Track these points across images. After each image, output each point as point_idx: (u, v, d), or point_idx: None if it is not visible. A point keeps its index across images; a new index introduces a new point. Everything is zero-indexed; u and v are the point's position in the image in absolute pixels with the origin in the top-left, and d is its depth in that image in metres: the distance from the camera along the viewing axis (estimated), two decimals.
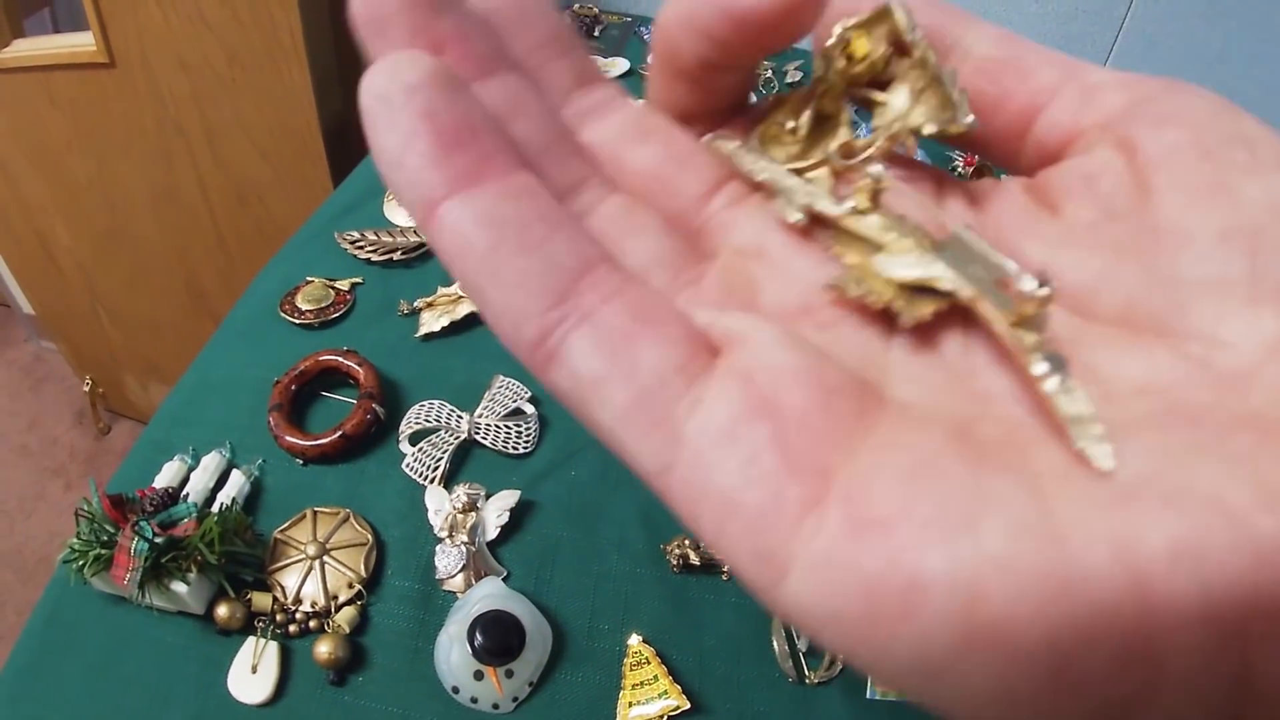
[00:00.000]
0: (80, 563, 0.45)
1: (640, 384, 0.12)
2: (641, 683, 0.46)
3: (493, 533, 0.52)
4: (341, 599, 0.49)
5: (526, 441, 0.58)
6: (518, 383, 0.60)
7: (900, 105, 0.17)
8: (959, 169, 0.88)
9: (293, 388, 0.59)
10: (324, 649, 0.46)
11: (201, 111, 1.02)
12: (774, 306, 0.15)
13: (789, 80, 0.99)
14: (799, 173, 0.17)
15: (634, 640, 0.48)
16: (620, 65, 1.01)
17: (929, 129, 0.16)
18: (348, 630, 0.48)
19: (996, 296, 0.13)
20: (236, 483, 0.53)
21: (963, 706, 0.10)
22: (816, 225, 0.16)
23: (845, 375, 0.12)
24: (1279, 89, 1.00)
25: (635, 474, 0.12)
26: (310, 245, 0.74)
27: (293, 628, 0.48)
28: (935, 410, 0.12)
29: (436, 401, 0.59)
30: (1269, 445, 0.10)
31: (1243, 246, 0.12)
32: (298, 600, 0.49)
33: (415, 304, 0.68)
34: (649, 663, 0.47)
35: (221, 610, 0.47)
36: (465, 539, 0.51)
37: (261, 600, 0.48)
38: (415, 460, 0.56)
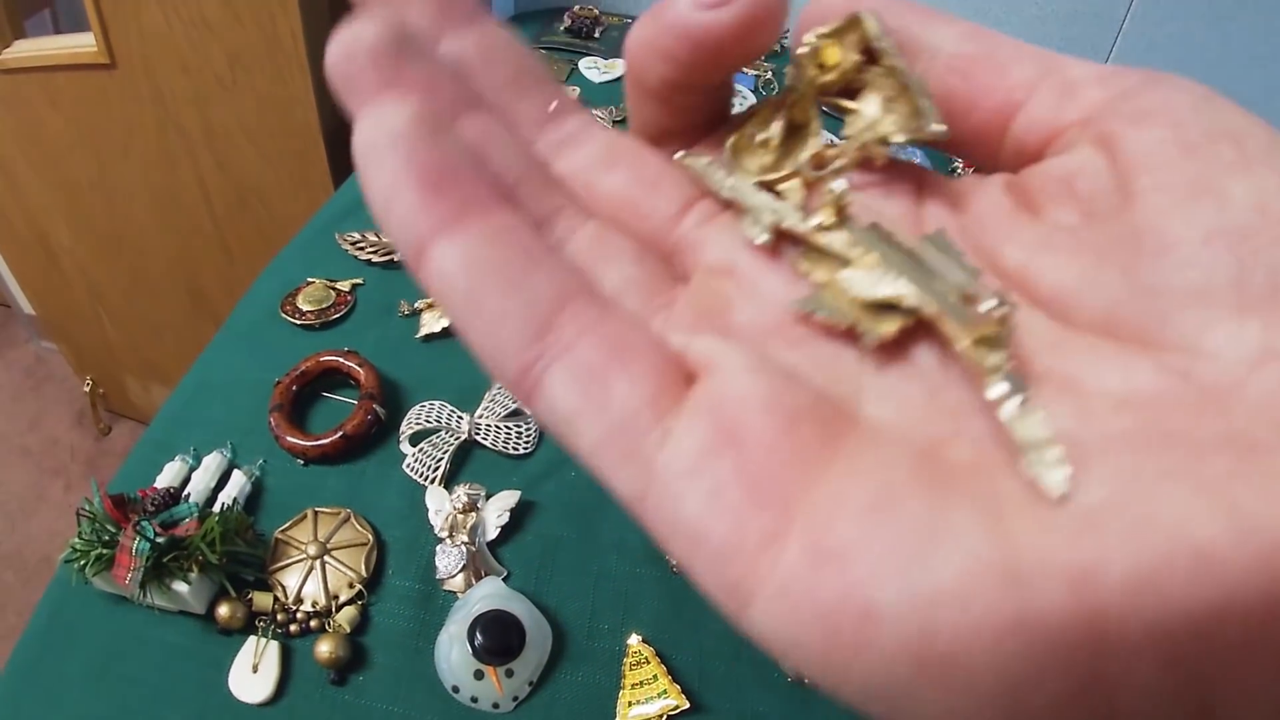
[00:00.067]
0: (82, 562, 0.45)
1: (612, 418, 0.12)
2: (641, 682, 0.46)
3: (493, 533, 0.53)
4: (342, 599, 0.49)
5: (527, 442, 0.58)
6: None
7: (871, 113, 0.16)
8: (959, 169, 0.88)
9: (294, 388, 0.59)
10: (325, 648, 0.46)
11: (202, 113, 1.02)
12: (746, 326, 0.15)
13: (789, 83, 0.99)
14: (771, 184, 0.17)
15: (634, 640, 0.48)
16: (620, 66, 1.01)
17: (898, 138, 0.16)
18: (348, 630, 0.48)
19: (959, 313, 0.13)
20: (238, 483, 0.54)
21: None
22: (785, 240, 0.16)
23: (812, 400, 0.12)
24: (1279, 91, 1.00)
25: (616, 500, 0.13)
26: (311, 246, 0.74)
27: (293, 627, 0.48)
28: (905, 430, 0.12)
29: (437, 402, 0.59)
30: (1245, 470, 0.10)
31: (1228, 250, 0.12)
32: (299, 600, 0.49)
33: (416, 305, 0.68)
34: (648, 662, 0.47)
35: (223, 610, 0.47)
36: (465, 539, 0.51)
37: (262, 600, 0.48)
38: (416, 461, 0.56)
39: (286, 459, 0.56)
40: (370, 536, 0.52)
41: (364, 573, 0.50)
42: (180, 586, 0.45)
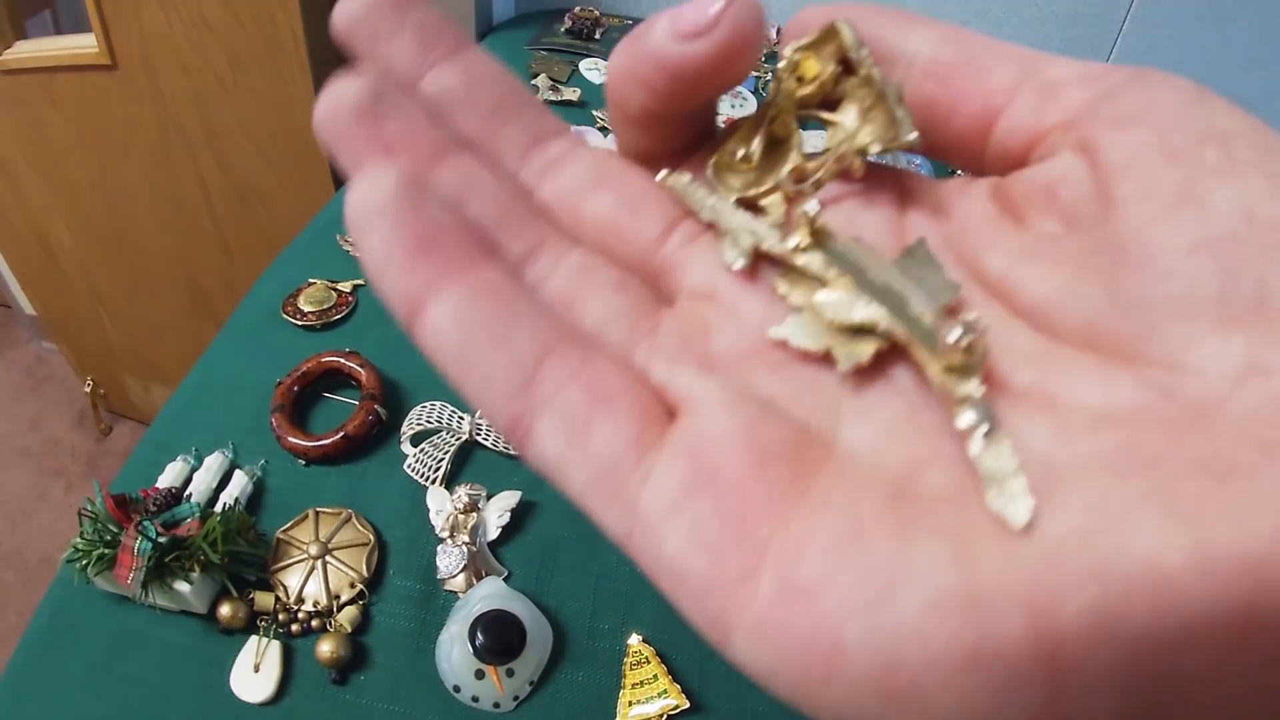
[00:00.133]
0: (84, 562, 0.45)
1: (597, 462, 0.13)
2: (641, 682, 0.47)
3: (494, 533, 0.53)
4: (343, 598, 0.49)
5: None
6: None
7: (850, 124, 0.16)
8: (960, 170, 0.88)
9: (295, 389, 0.59)
10: (326, 648, 0.46)
11: (203, 113, 1.02)
12: (726, 352, 0.15)
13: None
14: (753, 200, 0.17)
15: (634, 640, 0.48)
16: None
17: (875, 148, 0.16)
18: (350, 630, 0.48)
19: (930, 340, 0.13)
20: (239, 483, 0.54)
21: None
22: (764, 260, 0.16)
23: (787, 434, 0.13)
24: (1279, 92, 1.01)
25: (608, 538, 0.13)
26: (312, 247, 0.74)
27: (295, 627, 0.48)
28: (881, 457, 0.13)
29: (438, 403, 0.59)
30: (1219, 494, 0.10)
31: (1213, 261, 0.11)
32: (300, 600, 0.49)
33: None
34: (649, 662, 0.47)
35: (224, 609, 0.47)
36: (466, 539, 0.52)
37: (264, 600, 0.48)
38: (417, 461, 0.56)
39: (288, 459, 0.56)
40: (371, 536, 0.52)
41: (365, 573, 0.50)
42: (182, 586, 0.46)
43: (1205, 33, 0.98)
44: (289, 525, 0.52)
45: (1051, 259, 0.13)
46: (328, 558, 0.50)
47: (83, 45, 0.99)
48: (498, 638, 0.45)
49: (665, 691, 0.46)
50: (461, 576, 0.51)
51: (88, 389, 1.47)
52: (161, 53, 0.97)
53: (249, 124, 1.01)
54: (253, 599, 0.48)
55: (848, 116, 0.17)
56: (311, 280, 0.69)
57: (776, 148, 0.18)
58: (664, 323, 0.15)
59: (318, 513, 0.53)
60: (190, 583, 0.46)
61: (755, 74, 1.06)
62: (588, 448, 0.13)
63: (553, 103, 0.93)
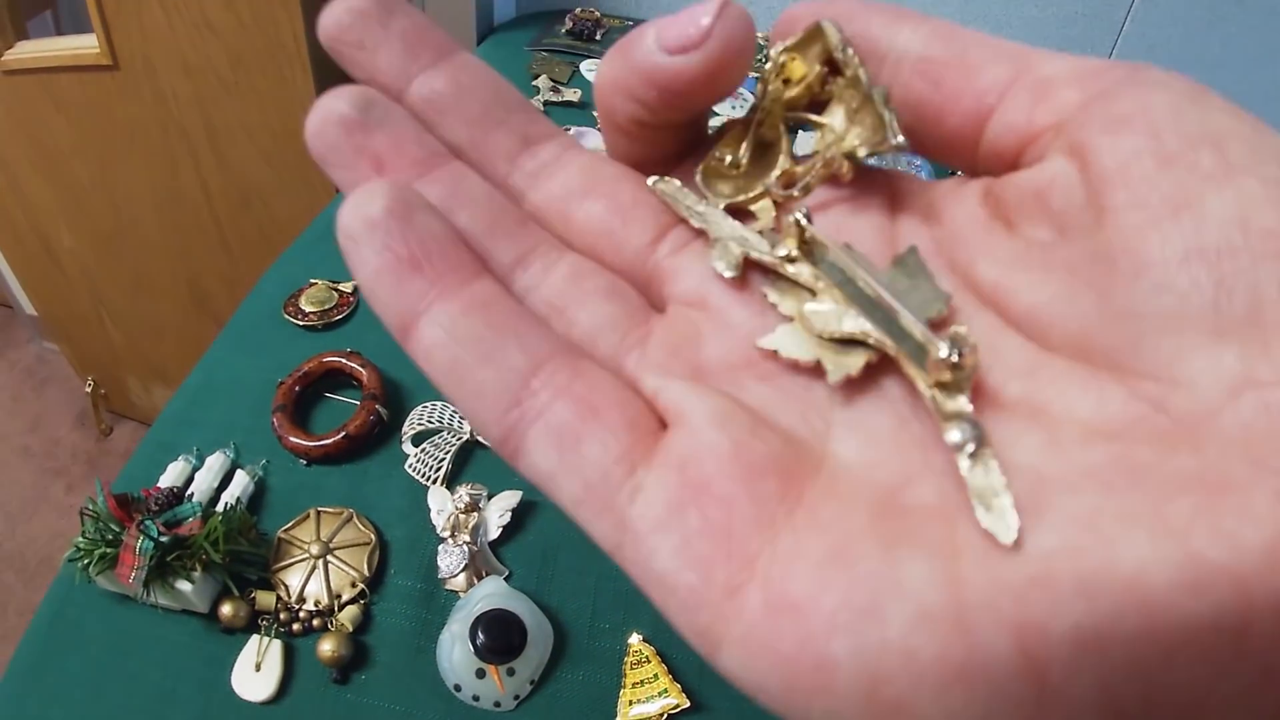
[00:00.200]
0: (86, 561, 0.45)
1: (586, 477, 0.13)
2: (642, 681, 0.47)
3: (495, 532, 0.53)
4: (345, 598, 0.49)
5: None
6: None
7: (838, 127, 0.16)
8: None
9: (296, 389, 0.59)
10: (327, 647, 0.46)
11: (204, 114, 1.02)
12: (717, 361, 0.15)
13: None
14: (742, 205, 0.17)
15: (634, 639, 0.48)
16: None
17: (863, 152, 0.15)
18: (351, 629, 0.48)
19: (919, 356, 0.13)
20: (241, 482, 0.54)
21: None
22: (754, 268, 0.15)
23: (777, 448, 0.13)
24: (1279, 93, 1.01)
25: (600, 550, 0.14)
26: (313, 248, 0.74)
27: (296, 626, 0.48)
28: (870, 469, 0.13)
29: (439, 403, 0.59)
30: (1211, 511, 0.09)
31: (1206, 271, 0.11)
32: (301, 599, 0.49)
33: None
34: (649, 661, 0.47)
35: (226, 609, 0.47)
36: (467, 539, 0.52)
37: (265, 599, 0.48)
38: (418, 461, 0.56)
39: (289, 459, 0.57)
40: (372, 536, 0.52)
41: (366, 572, 0.50)
42: (184, 585, 0.46)
43: (1205, 33, 0.98)
44: (290, 525, 0.52)
45: (1043, 267, 0.13)
46: (329, 557, 0.51)
47: (84, 46, 0.99)
48: (498, 637, 0.45)
49: (665, 691, 0.46)
50: (462, 576, 0.51)
51: (89, 389, 1.47)
52: (163, 53, 0.97)
53: (250, 124, 1.01)
54: (254, 598, 0.48)
55: (836, 119, 0.16)
56: (313, 280, 0.69)
57: (765, 152, 0.17)
58: (655, 331, 0.15)
59: (319, 512, 0.53)
60: (192, 582, 0.46)
61: (755, 74, 1.06)
62: (578, 461, 0.13)
63: (553, 104, 0.94)
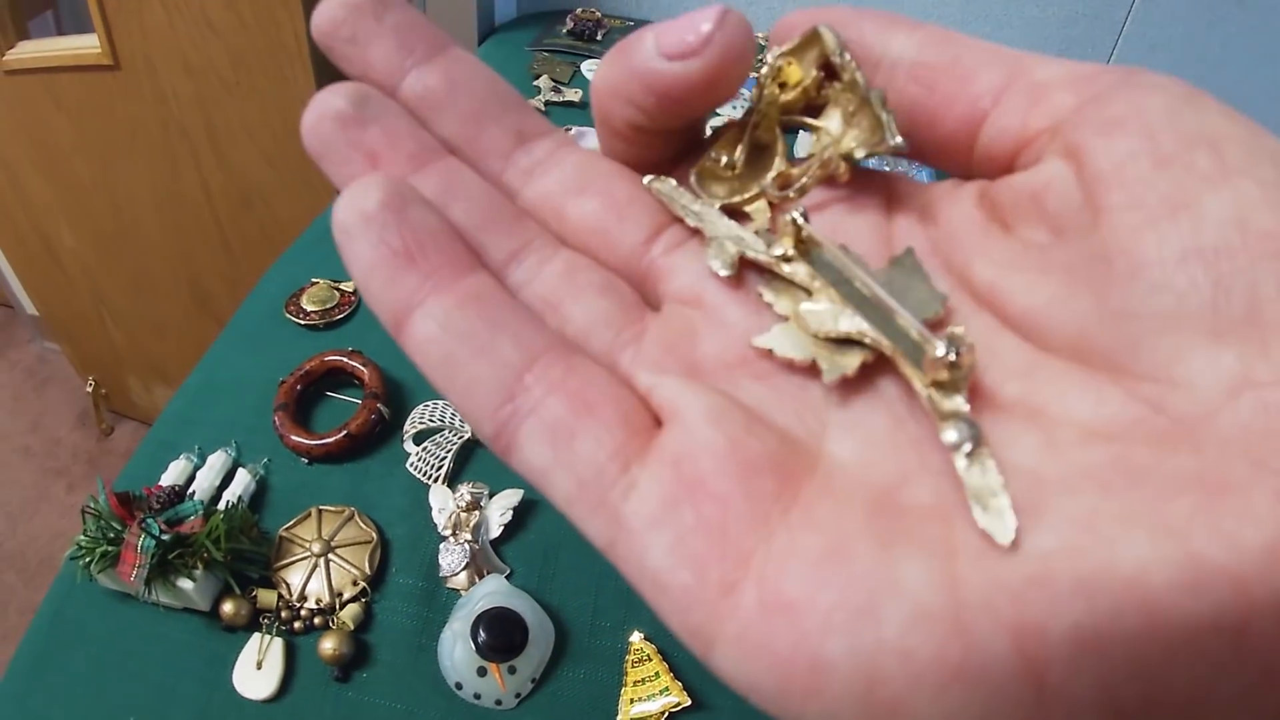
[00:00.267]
0: (87, 559, 0.45)
1: (579, 474, 0.13)
2: (643, 679, 0.47)
3: (496, 531, 0.53)
4: (346, 596, 0.49)
5: None
6: None
7: (834, 129, 0.16)
8: None
9: (298, 388, 0.59)
10: (328, 645, 0.46)
11: (206, 114, 1.02)
12: (712, 359, 0.15)
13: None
14: (737, 207, 0.17)
15: (636, 637, 0.48)
16: None
17: (860, 153, 0.15)
18: (352, 627, 0.48)
19: (915, 355, 0.13)
20: (242, 481, 0.54)
21: None
22: (750, 267, 0.15)
23: (772, 446, 0.13)
24: (1279, 93, 1.01)
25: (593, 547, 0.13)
26: (315, 247, 0.74)
27: (297, 624, 0.48)
28: (866, 468, 0.13)
29: (440, 402, 0.59)
30: (1211, 511, 0.09)
31: (1203, 272, 0.11)
32: (303, 597, 0.49)
33: None
34: (650, 659, 0.47)
35: (227, 607, 0.47)
36: (469, 537, 0.52)
37: (267, 597, 0.48)
38: (419, 459, 0.56)
39: (291, 458, 0.57)
40: (374, 534, 0.52)
41: (368, 570, 0.50)
42: (185, 584, 0.46)
43: (1205, 33, 0.99)
44: (292, 523, 0.52)
45: (1040, 268, 0.13)
46: (330, 555, 0.51)
47: (85, 45, 0.99)
48: (500, 635, 0.45)
49: (667, 689, 0.46)
50: (464, 574, 0.51)
51: (90, 389, 1.47)
52: (164, 53, 0.97)
53: (252, 124, 1.02)
54: (255, 596, 0.48)
55: (832, 122, 0.16)
56: (314, 280, 0.69)
57: (760, 154, 0.17)
58: (649, 328, 0.15)
59: (320, 511, 0.53)
60: (193, 580, 0.46)
61: (755, 74, 1.06)
62: (572, 457, 0.13)
63: (554, 104, 0.94)
